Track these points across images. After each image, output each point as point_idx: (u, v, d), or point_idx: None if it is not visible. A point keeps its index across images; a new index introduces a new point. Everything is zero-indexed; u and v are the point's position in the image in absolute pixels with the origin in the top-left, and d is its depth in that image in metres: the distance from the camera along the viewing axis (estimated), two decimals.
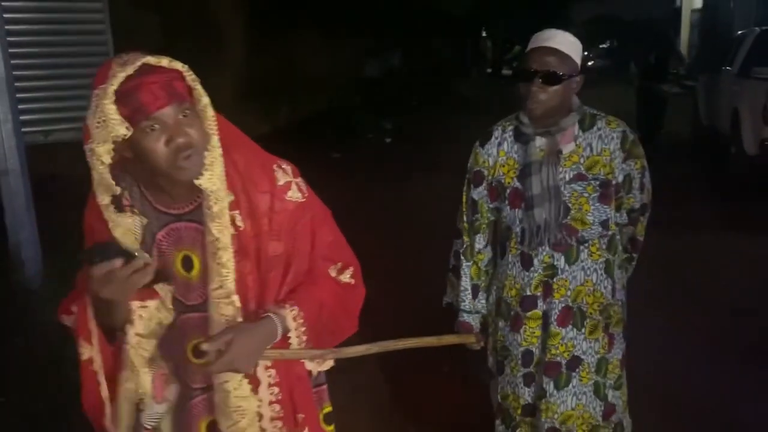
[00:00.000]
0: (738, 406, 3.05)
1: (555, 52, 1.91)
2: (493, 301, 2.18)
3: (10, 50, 3.90)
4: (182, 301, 1.40)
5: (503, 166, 2.07)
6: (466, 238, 2.18)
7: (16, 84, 4.21)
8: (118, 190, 1.29)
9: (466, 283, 2.18)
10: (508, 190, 2.06)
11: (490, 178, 2.10)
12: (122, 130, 1.21)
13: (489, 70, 26.73)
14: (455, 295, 2.24)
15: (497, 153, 2.08)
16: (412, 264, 4.59)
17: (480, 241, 2.16)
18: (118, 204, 1.32)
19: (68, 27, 7.04)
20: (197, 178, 1.29)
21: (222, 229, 1.31)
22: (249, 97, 9.15)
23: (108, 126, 1.21)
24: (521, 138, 2.04)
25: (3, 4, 3.46)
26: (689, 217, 5.78)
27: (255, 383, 1.41)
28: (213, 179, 1.30)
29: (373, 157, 8.84)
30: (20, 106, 4.96)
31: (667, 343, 3.49)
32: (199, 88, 1.29)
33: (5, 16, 3.51)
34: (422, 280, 4.24)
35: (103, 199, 1.30)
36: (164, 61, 1.25)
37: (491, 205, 2.13)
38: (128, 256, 1.24)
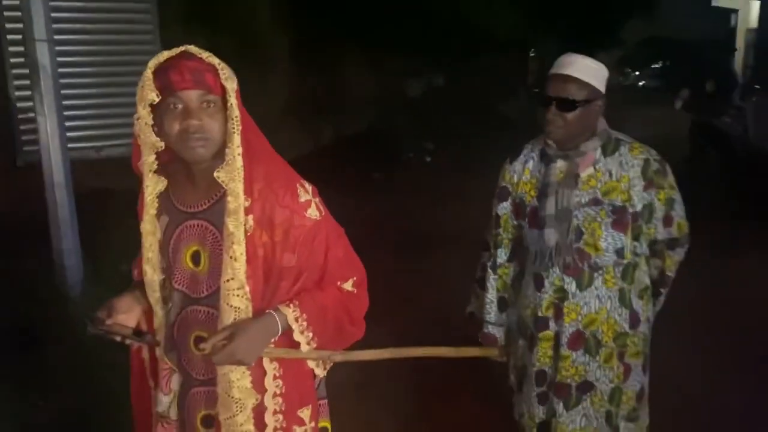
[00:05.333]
0: (750, 422, 3.01)
1: (572, 79, 1.92)
2: (515, 319, 2.18)
3: (63, 69, 4.10)
4: (188, 294, 1.48)
5: (526, 184, 2.09)
6: (492, 252, 2.21)
7: (69, 102, 4.40)
8: (162, 146, 1.41)
9: (492, 295, 2.20)
10: (528, 209, 2.07)
11: (514, 194, 2.12)
12: (152, 95, 1.35)
13: (535, 90, 26.47)
14: (479, 306, 2.26)
15: (522, 170, 2.10)
16: (447, 285, 4.56)
17: (501, 256, 2.18)
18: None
19: (120, 48, 7.33)
20: (204, 162, 1.41)
21: (237, 224, 1.39)
22: (293, 115, 9.32)
23: (144, 90, 1.36)
24: (545, 158, 2.06)
25: (53, 14, 3.62)
26: (735, 239, 5.61)
27: (260, 373, 1.48)
28: (231, 174, 1.38)
29: (413, 177, 8.88)
30: (73, 123, 5.20)
31: (684, 358, 3.44)
32: (230, 87, 1.37)
33: (55, 36, 3.69)
34: (456, 304, 4.22)
35: (148, 157, 1.43)
36: (204, 54, 1.37)
37: (515, 222, 2.14)
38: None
